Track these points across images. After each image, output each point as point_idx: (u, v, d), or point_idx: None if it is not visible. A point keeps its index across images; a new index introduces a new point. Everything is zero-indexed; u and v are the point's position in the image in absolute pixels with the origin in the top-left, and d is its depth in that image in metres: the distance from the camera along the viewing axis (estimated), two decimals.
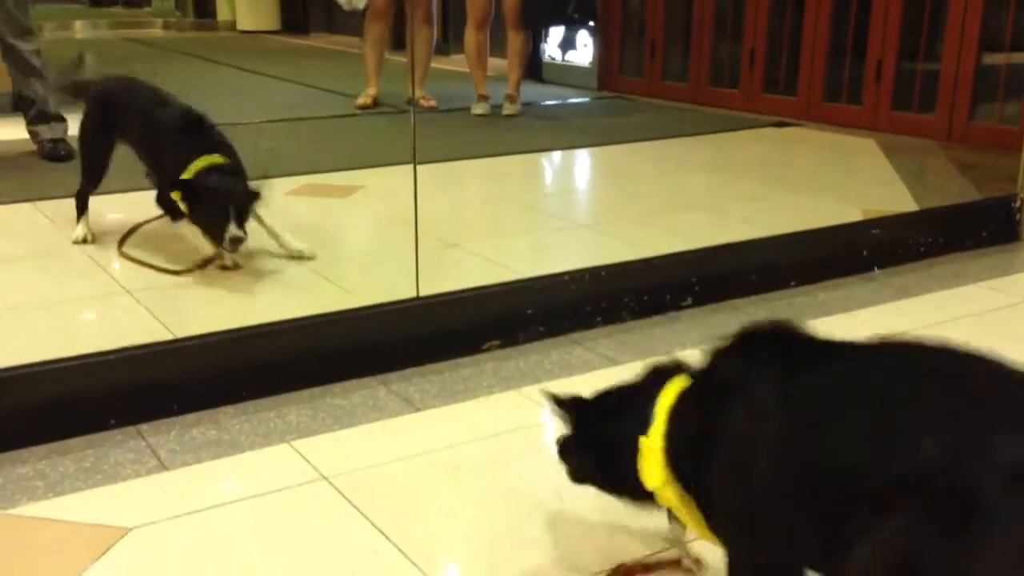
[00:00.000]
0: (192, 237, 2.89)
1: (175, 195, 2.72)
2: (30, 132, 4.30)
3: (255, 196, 2.77)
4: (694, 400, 1.39)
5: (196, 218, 2.74)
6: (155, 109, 2.89)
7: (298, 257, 2.92)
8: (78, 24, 12.57)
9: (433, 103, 5.72)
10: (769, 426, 1.24)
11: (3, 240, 3.23)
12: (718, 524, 1.37)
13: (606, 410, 1.54)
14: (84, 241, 3.07)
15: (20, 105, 4.31)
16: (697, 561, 1.62)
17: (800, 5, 5.57)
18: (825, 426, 1.19)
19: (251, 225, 2.80)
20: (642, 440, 1.41)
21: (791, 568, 1.29)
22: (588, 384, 2.35)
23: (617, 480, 1.51)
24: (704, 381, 1.40)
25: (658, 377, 1.47)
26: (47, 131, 4.25)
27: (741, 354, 1.37)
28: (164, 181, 2.83)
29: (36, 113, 4.26)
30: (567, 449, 1.60)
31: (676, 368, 1.48)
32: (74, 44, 10.70)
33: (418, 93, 5.76)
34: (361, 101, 5.80)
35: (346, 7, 6.04)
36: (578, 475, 1.60)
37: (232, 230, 2.63)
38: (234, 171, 2.79)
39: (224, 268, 2.83)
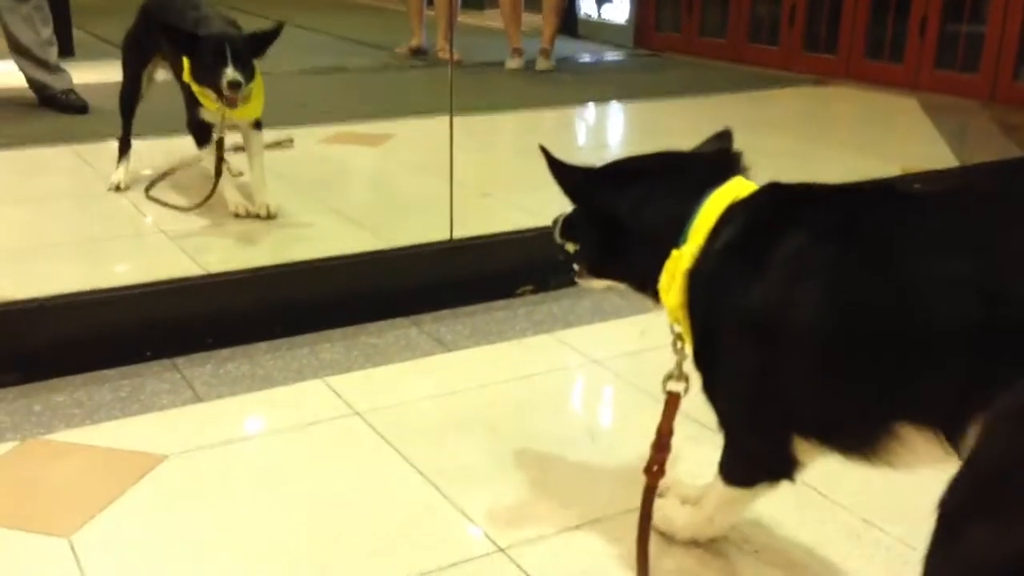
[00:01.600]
0: (208, 163, 2.83)
1: (186, 63, 2.64)
2: (29, 80, 4.16)
3: (254, 42, 2.67)
4: (739, 233, 1.28)
5: (196, 71, 2.65)
6: (187, 9, 2.86)
7: (261, 215, 2.80)
8: None
9: (457, 56, 5.68)
10: (828, 275, 1.18)
11: (43, 179, 3.25)
12: (717, 363, 1.32)
13: (636, 190, 1.40)
14: (118, 188, 3.06)
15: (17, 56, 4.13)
16: None
17: None
18: (901, 275, 1.13)
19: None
20: (674, 252, 1.32)
21: (784, 431, 1.27)
22: (620, 330, 2.37)
23: (628, 273, 1.44)
24: (755, 211, 1.30)
25: (708, 174, 1.36)
26: (56, 82, 4.17)
27: (798, 195, 1.29)
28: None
29: (35, 60, 4.10)
30: (574, 225, 1.49)
31: (728, 165, 1.38)
32: None
33: (440, 43, 5.74)
34: (399, 49, 5.86)
35: None
36: (580, 257, 1.51)
37: (229, 73, 2.54)
38: (231, 21, 2.75)
39: (257, 216, 2.80)
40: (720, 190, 1.33)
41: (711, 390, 1.35)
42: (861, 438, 1.20)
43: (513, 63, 5.56)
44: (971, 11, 4.98)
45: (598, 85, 5.51)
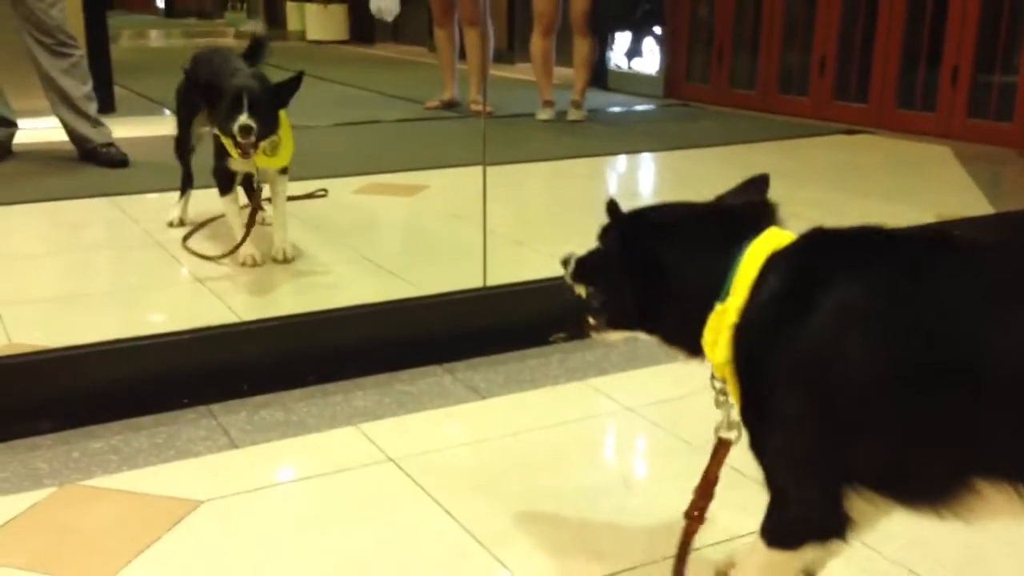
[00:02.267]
0: (234, 223, 2.89)
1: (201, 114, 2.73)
2: (70, 133, 4.24)
3: (275, 92, 2.71)
4: (785, 282, 1.25)
5: (216, 120, 2.71)
6: (223, 68, 2.93)
7: (278, 259, 2.85)
8: (153, 33, 12.93)
9: (489, 108, 5.75)
10: (877, 326, 1.14)
11: (83, 231, 3.31)
12: (767, 419, 1.26)
13: (674, 239, 1.36)
14: (179, 224, 3.17)
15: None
16: None
17: (872, 11, 5.48)
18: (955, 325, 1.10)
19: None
20: (718, 307, 1.27)
21: (838, 485, 1.21)
22: (654, 377, 2.36)
23: (659, 326, 1.38)
24: (801, 259, 1.26)
25: (745, 224, 1.32)
26: (97, 135, 4.27)
27: (847, 241, 1.26)
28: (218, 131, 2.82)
29: (76, 113, 4.19)
30: (595, 267, 1.43)
31: (763, 215, 1.35)
32: (149, 52, 10.99)
33: (474, 96, 5.82)
34: (431, 103, 5.96)
35: (376, 16, 6.19)
36: (599, 305, 1.44)
37: (242, 119, 2.57)
38: (258, 75, 2.80)
39: (275, 260, 2.83)
40: (759, 240, 1.29)
41: (759, 447, 1.30)
42: (931, 492, 1.16)
43: (544, 114, 5.62)
44: (1003, 60, 4.98)
45: (629, 135, 5.55)
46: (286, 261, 2.84)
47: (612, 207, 1.40)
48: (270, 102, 2.68)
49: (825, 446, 1.22)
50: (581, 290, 1.48)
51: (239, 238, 2.80)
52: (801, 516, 1.28)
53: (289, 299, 2.64)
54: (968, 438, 1.11)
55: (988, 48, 5.01)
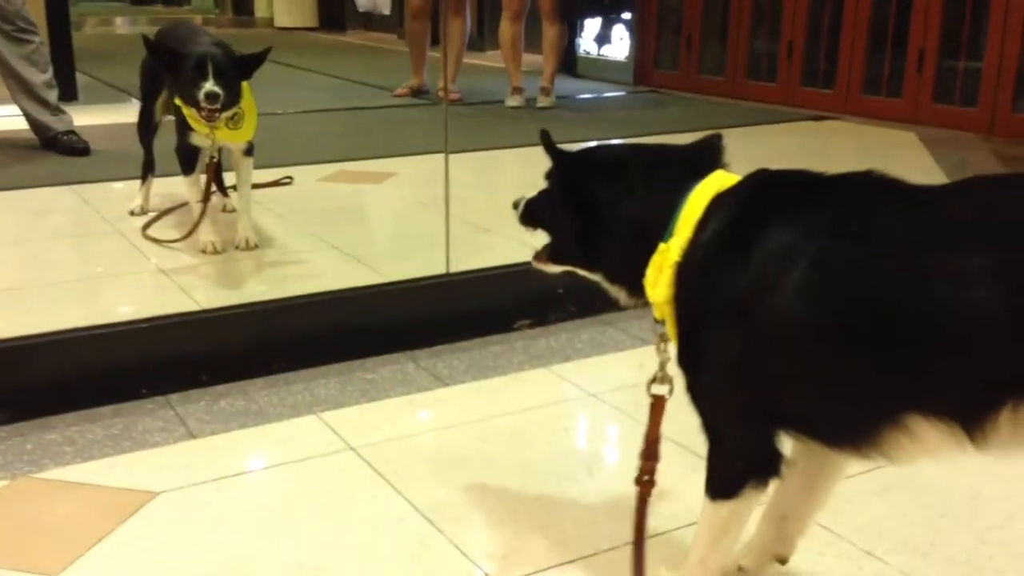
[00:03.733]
0: (188, 193, 2.85)
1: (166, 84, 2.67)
2: (31, 122, 4.17)
3: (239, 61, 2.67)
4: (728, 221, 1.25)
5: (179, 87, 2.65)
6: (188, 38, 2.88)
7: (240, 247, 2.81)
8: (118, 20, 12.76)
9: (457, 95, 5.71)
10: (828, 262, 1.14)
11: (43, 220, 3.25)
12: (702, 358, 1.26)
13: (619, 179, 1.35)
14: (141, 212, 3.13)
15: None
16: None
17: None
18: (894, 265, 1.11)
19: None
20: (661, 246, 1.27)
21: (769, 424, 1.23)
22: (618, 364, 2.35)
23: (603, 264, 1.38)
24: (744, 199, 1.26)
25: (691, 167, 1.32)
26: (57, 123, 4.18)
27: (790, 182, 1.26)
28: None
29: (37, 101, 4.11)
30: (543, 206, 1.43)
31: (710, 160, 1.34)
32: (114, 39, 10.83)
33: (445, 85, 5.77)
34: (399, 91, 5.90)
35: (360, 8, 6.12)
36: (552, 247, 1.44)
37: (207, 86, 2.53)
38: (222, 44, 2.75)
39: (238, 248, 2.80)
40: (705, 182, 1.29)
41: (694, 388, 1.29)
42: (860, 430, 1.17)
43: (514, 101, 5.60)
44: (968, 46, 5.01)
45: (599, 122, 5.53)
46: (249, 248, 2.80)
47: (546, 141, 1.39)
48: (234, 70, 2.63)
49: (756, 385, 1.22)
50: (531, 230, 1.49)
51: (199, 225, 2.76)
52: (736, 458, 1.28)
53: (252, 287, 2.60)
54: (904, 376, 1.11)
55: (953, 34, 5.03)
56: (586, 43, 7.08)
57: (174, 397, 2.13)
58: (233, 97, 2.62)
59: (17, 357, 2.09)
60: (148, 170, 3.19)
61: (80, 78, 5.72)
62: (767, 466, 1.26)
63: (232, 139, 2.75)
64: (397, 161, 4.14)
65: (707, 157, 1.36)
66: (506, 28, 5.60)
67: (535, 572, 1.51)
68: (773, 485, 1.30)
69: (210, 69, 2.55)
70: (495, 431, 1.99)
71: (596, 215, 1.35)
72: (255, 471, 1.86)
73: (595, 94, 6.42)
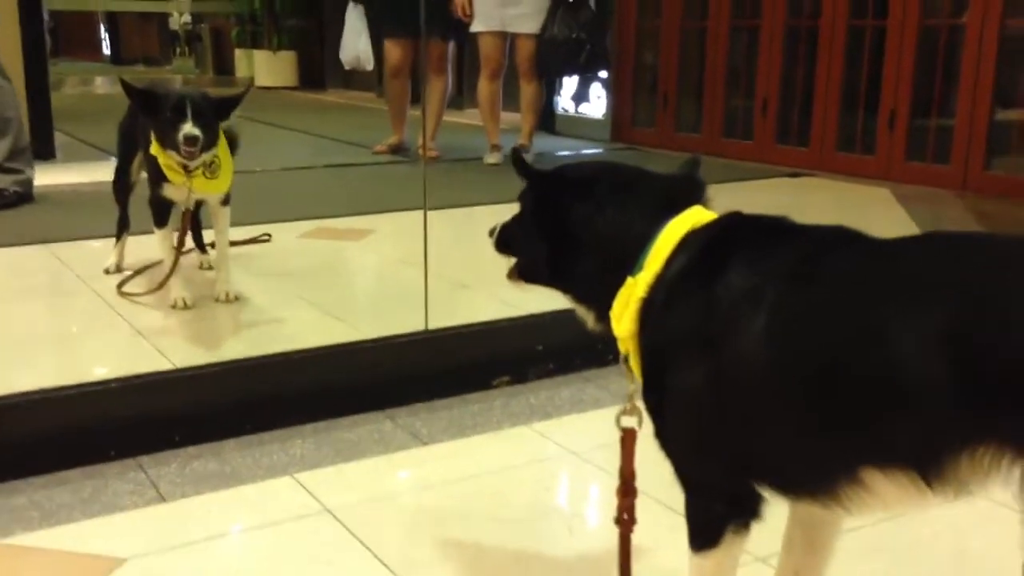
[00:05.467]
0: (161, 247, 2.82)
1: (153, 144, 2.62)
2: None
3: (218, 104, 2.65)
4: (693, 260, 1.23)
5: (157, 130, 2.61)
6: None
7: (220, 299, 2.79)
8: (98, 80, 12.81)
9: (434, 153, 5.75)
10: (785, 310, 1.12)
11: (15, 279, 3.21)
12: (666, 400, 1.24)
13: (594, 202, 1.32)
14: (116, 270, 3.09)
15: None
16: None
17: (812, 56, 5.59)
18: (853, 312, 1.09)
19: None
20: (629, 280, 1.25)
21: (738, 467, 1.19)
22: (599, 421, 2.32)
23: (573, 287, 1.37)
24: (712, 240, 1.24)
25: (669, 199, 1.30)
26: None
27: (760, 227, 1.25)
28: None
29: None
30: (515, 230, 1.43)
31: (689, 194, 1.32)
32: (93, 99, 10.87)
33: (425, 143, 5.81)
34: (379, 147, 5.94)
35: (352, 66, 6.18)
36: (521, 265, 1.44)
37: (187, 127, 2.50)
38: (198, 90, 2.75)
39: (217, 300, 2.77)
40: (680, 217, 1.27)
41: (661, 432, 1.27)
42: (817, 481, 1.15)
43: (492, 158, 5.63)
44: (939, 105, 5.10)
45: None
46: (228, 301, 2.77)
47: (517, 159, 1.39)
48: (212, 112, 2.62)
49: (718, 428, 1.19)
50: (499, 243, 1.49)
51: (171, 279, 2.73)
52: (711, 502, 1.24)
53: (229, 345, 2.57)
54: (857, 428, 1.09)
55: (924, 93, 5.13)
56: (564, 101, 7.17)
57: (145, 459, 2.08)
58: (212, 139, 2.60)
59: None
60: (123, 228, 3.16)
61: (59, 137, 5.71)
62: (744, 507, 1.22)
63: (209, 189, 2.73)
64: (376, 218, 4.14)
65: (687, 189, 1.34)
66: (484, 86, 5.66)
67: None
68: (759, 529, 1.25)
69: (189, 110, 2.53)
70: (474, 491, 1.96)
71: (567, 234, 1.33)
72: (228, 535, 1.81)
73: (573, 151, 6.47)
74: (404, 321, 2.58)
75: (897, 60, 5.15)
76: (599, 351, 2.62)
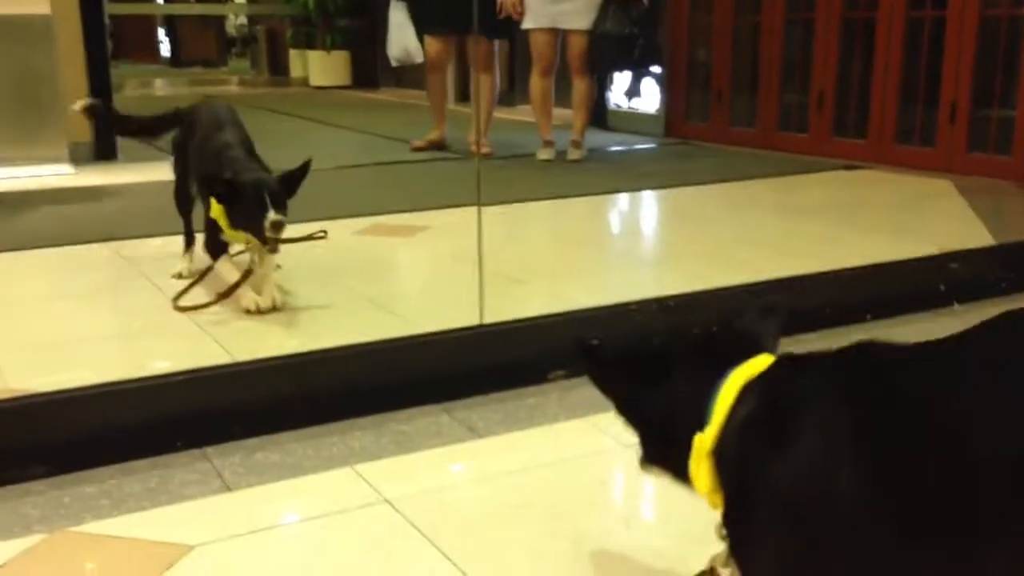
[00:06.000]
0: (226, 273, 2.85)
1: (213, 203, 2.69)
2: None
3: (287, 182, 2.70)
4: (753, 407, 1.22)
5: (235, 215, 2.68)
6: (213, 129, 2.94)
7: (263, 307, 2.75)
8: (158, 82, 13.08)
9: (487, 150, 5.78)
10: (851, 454, 1.08)
11: (81, 276, 3.31)
12: (754, 547, 1.20)
13: (661, 384, 1.34)
14: (179, 276, 3.13)
15: None
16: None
17: (869, 47, 5.51)
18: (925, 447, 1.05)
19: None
20: (696, 437, 1.26)
21: None
22: None
23: (667, 464, 1.37)
24: (767, 383, 1.24)
25: (723, 355, 1.31)
26: None
27: (813, 362, 1.23)
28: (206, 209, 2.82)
29: None
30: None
31: (744, 343, 1.33)
32: (153, 100, 11.10)
33: (477, 139, 5.85)
34: (418, 143, 6.01)
35: (402, 61, 6.24)
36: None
37: (271, 215, 2.56)
38: (260, 167, 2.81)
39: (261, 311, 2.76)
40: (740, 368, 1.27)
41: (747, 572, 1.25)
42: None
43: (544, 154, 5.64)
44: (1001, 95, 4.99)
45: (629, 173, 5.56)
46: (275, 309, 2.79)
47: (584, 351, 1.42)
48: (285, 193, 2.68)
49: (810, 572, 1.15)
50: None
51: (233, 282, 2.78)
52: None
53: (286, 339, 2.62)
54: (955, 558, 1.05)
55: (985, 83, 5.02)
56: (616, 96, 7.15)
57: (210, 450, 2.13)
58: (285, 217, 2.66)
59: (54, 411, 2.11)
60: (189, 241, 3.23)
61: (120, 139, 5.84)
62: None
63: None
64: (429, 214, 4.18)
65: (751, 340, 1.34)
66: (536, 83, 5.67)
67: None
68: None
69: (267, 199, 2.58)
70: (531, 483, 1.97)
71: (649, 421, 1.37)
72: (291, 524, 1.85)
73: (626, 146, 6.46)
74: (459, 316, 2.60)
75: (957, 51, 5.05)
76: None
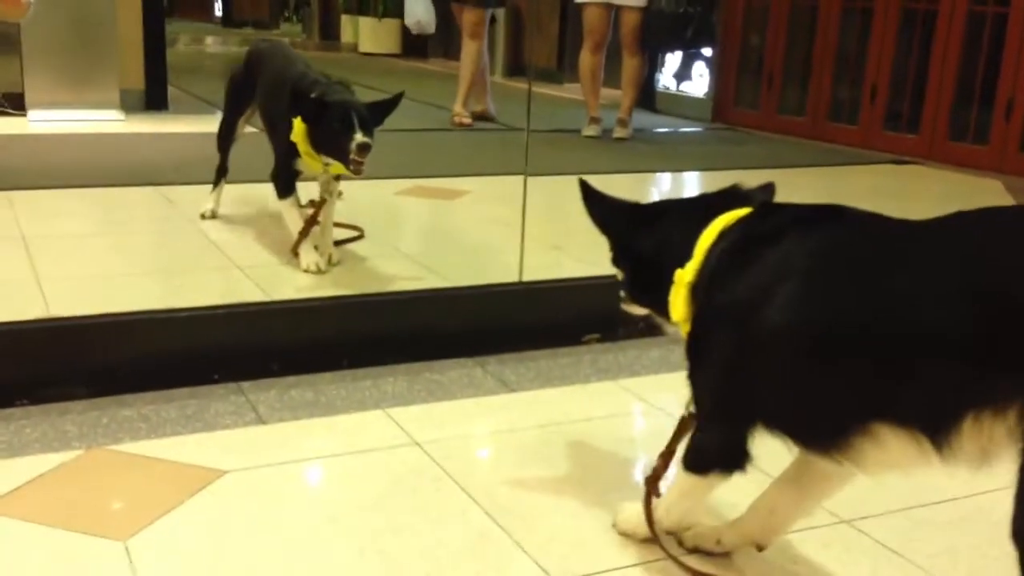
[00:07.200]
0: (291, 221, 2.82)
1: (297, 124, 2.62)
2: None
3: (374, 109, 2.66)
4: (731, 242, 1.41)
5: (320, 136, 2.63)
6: (283, 67, 2.93)
7: (321, 270, 2.71)
8: (209, 39, 13.18)
9: (467, 121, 5.77)
10: (810, 275, 1.27)
11: (130, 216, 3.36)
12: (701, 355, 1.42)
13: (657, 227, 1.54)
14: (211, 216, 3.17)
15: None
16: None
17: (927, 42, 5.43)
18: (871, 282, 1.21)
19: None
20: (677, 272, 1.44)
21: (747, 423, 1.34)
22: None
23: (651, 301, 1.55)
24: (746, 227, 1.42)
25: (710, 208, 1.48)
26: None
27: (789, 214, 1.40)
28: (277, 138, 2.80)
29: None
30: (616, 257, 1.63)
31: (731, 200, 1.50)
32: (204, 56, 11.20)
33: (456, 109, 5.83)
34: (463, 119, 5.93)
35: (414, 30, 6.25)
36: (623, 284, 1.62)
37: (359, 137, 2.51)
38: (347, 89, 2.78)
39: (321, 271, 2.73)
40: (724, 215, 1.45)
41: (692, 376, 1.45)
42: (830, 435, 1.25)
43: (591, 130, 5.63)
44: None
45: (674, 155, 5.53)
46: (331, 265, 2.79)
47: (586, 191, 1.63)
48: (373, 120, 2.63)
49: (741, 385, 1.35)
50: (618, 274, 1.65)
51: (302, 247, 2.75)
52: (711, 445, 1.43)
53: (324, 286, 2.64)
54: (873, 385, 1.19)
55: None
56: (666, 79, 7.10)
57: (246, 384, 2.17)
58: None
59: (96, 334, 2.15)
60: (221, 175, 3.25)
61: (171, 91, 5.92)
62: (734, 461, 1.39)
63: (339, 170, 2.71)
64: (472, 180, 4.19)
65: (740, 197, 1.52)
66: (586, 58, 5.64)
67: (592, 572, 1.50)
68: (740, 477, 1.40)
69: (356, 121, 2.54)
70: (559, 436, 1.98)
71: (641, 259, 1.57)
72: (321, 458, 1.88)
73: (672, 128, 6.42)
74: (496, 275, 2.62)
75: (1018, 49, 4.96)
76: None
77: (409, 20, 6.30)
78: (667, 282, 1.46)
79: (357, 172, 2.59)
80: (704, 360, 1.42)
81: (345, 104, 2.60)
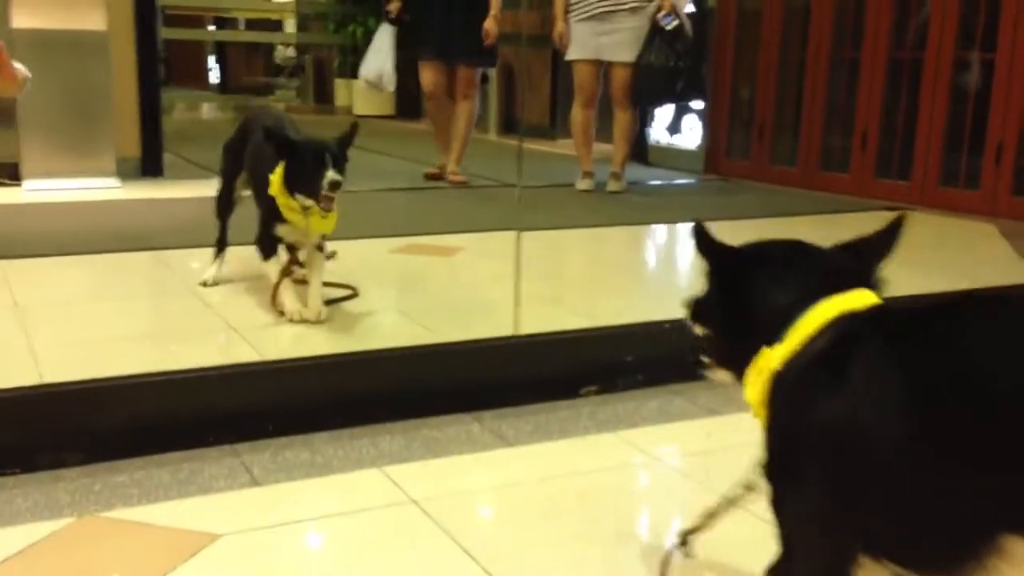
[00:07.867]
0: (275, 276, 2.86)
1: (274, 179, 2.68)
2: None
3: (342, 146, 2.72)
4: (830, 345, 1.20)
5: (294, 175, 2.67)
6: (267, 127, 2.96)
7: (310, 319, 2.73)
8: (205, 106, 13.34)
9: (462, 179, 5.81)
10: (920, 387, 1.11)
11: (123, 280, 3.35)
12: (790, 477, 1.21)
13: (764, 277, 1.33)
14: (206, 284, 3.16)
15: None
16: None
17: (915, 88, 5.48)
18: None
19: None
20: (765, 349, 1.25)
21: (850, 553, 1.16)
22: (686, 431, 2.30)
23: (729, 363, 1.35)
24: (853, 326, 1.21)
25: (828, 275, 1.29)
26: None
27: (906, 313, 1.20)
28: (260, 196, 2.84)
29: None
30: (705, 307, 1.40)
31: (862, 271, 1.31)
32: (200, 123, 11.31)
33: (450, 167, 5.87)
34: (429, 171, 6.01)
35: (370, 85, 6.26)
36: (710, 344, 1.39)
37: (331, 174, 2.58)
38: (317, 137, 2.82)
39: (297, 281, 2.81)
40: (836, 298, 1.24)
41: (778, 504, 1.25)
42: (950, 555, 1.10)
43: (584, 184, 5.65)
44: None
45: (668, 206, 5.55)
46: (319, 322, 2.79)
47: (700, 238, 1.38)
48: (343, 158, 2.71)
49: (846, 515, 1.17)
50: (699, 329, 1.43)
51: (284, 294, 2.78)
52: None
53: (319, 344, 2.63)
54: (999, 497, 1.06)
55: None
56: (658, 132, 7.17)
57: (240, 446, 2.14)
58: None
59: (88, 400, 2.13)
60: (221, 246, 3.25)
61: (167, 157, 5.96)
62: None
63: (322, 228, 2.77)
64: (466, 237, 4.19)
65: (859, 269, 1.32)
66: (578, 114, 5.69)
67: None
68: None
69: (328, 158, 2.61)
70: (559, 491, 1.95)
71: (741, 311, 1.33)
72: (316, 519, 1.85)
73: (665, 181, 6.46)
74: (493, 330, 2.60)
75: (1005, 93, 5.01)
76: (689, 364, 2.59)
77: (367, 71, 6.23)
78: (749, 353, 1.27)
79: (327, 209, 2.65)
80: (798, 483, 1.21)
81: (317, 143, 2.68)
